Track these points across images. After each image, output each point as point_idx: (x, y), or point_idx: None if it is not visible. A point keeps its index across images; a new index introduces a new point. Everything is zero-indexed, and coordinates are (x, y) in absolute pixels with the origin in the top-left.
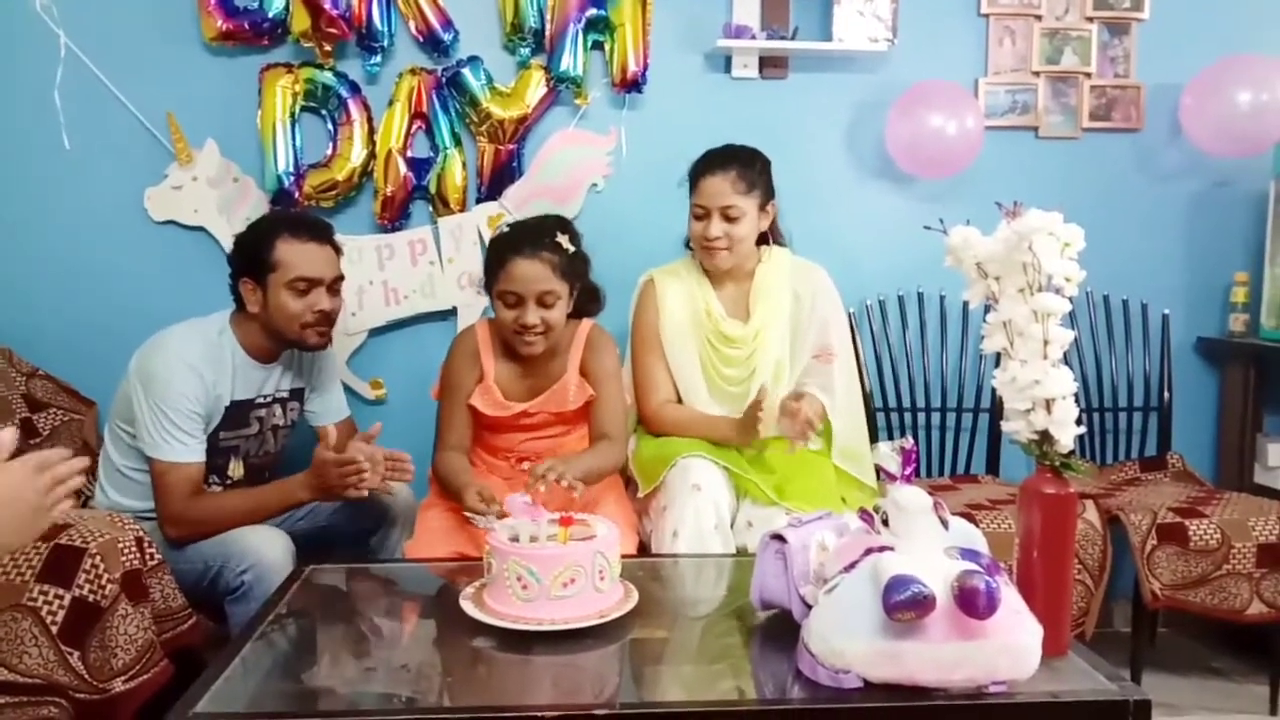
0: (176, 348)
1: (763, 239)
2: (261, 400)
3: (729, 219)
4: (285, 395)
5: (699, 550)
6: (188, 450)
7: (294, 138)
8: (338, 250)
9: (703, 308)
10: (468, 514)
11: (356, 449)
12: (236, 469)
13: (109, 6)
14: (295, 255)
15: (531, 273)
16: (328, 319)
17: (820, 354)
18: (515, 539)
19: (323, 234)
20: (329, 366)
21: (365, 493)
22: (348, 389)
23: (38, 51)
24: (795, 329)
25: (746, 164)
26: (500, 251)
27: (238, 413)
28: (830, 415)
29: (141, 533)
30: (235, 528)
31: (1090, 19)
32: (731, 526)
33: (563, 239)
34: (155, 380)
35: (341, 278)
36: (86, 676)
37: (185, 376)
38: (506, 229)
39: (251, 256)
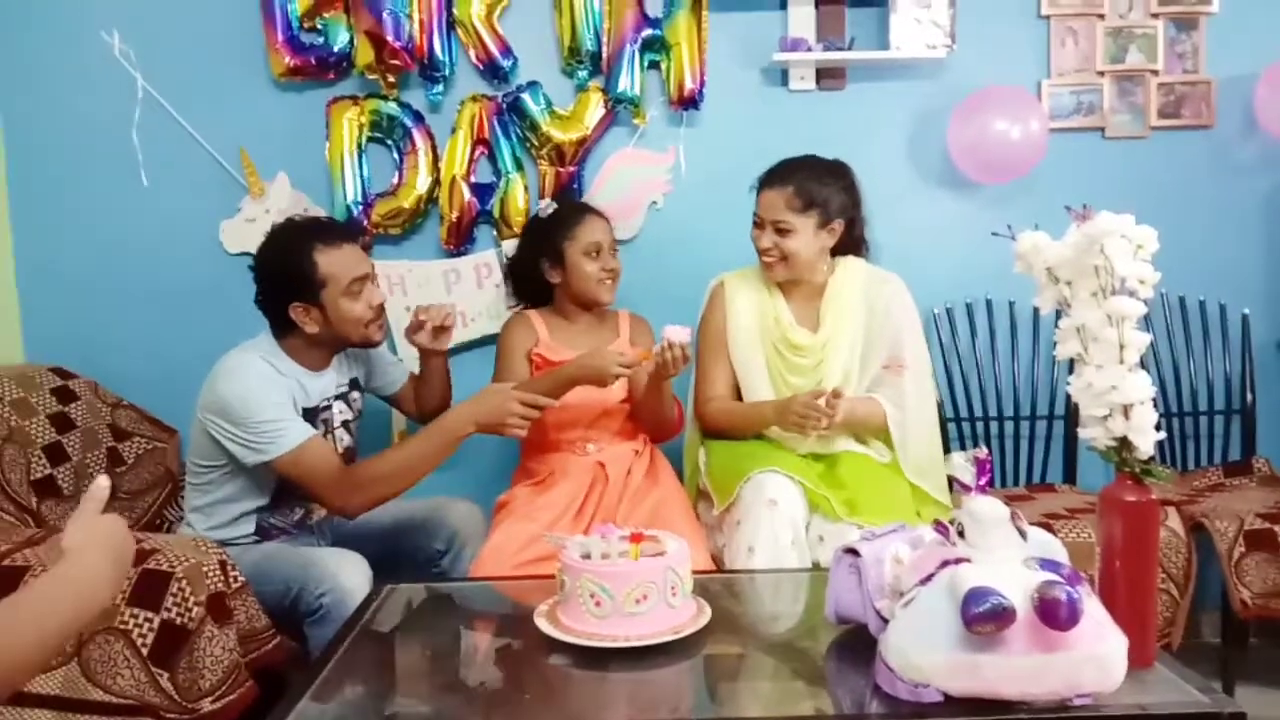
0: (238, 369)
1: (840, 250)
2: (323, 404)
3: (780, 232)
4: (345, 389)
5: (775, 566)
6: (301, 429)
7: (361, 168)
8: (359, 244)
9: (771, 315)
10: (546, 535)
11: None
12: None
13: (182, 48)
14: (339, 264)
15: (605, 226)
16: (383, 310)
17: (890, 364)
18: (587, 556)
19: (348, 232)
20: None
21: (523, 432)
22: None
23: (116, 94)
24: (867, 340)
25: (809, 180)
26: (572, 214)
27: (307, 420)
28: (895, 427)
29: (225, 556)
30: (412, 480)
31: (1155, 15)
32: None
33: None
34: (232, 401)
35: (374, 266)
36: (176, 697)
37: (260, 384)
38: (557, 205)
39: (295, 280)
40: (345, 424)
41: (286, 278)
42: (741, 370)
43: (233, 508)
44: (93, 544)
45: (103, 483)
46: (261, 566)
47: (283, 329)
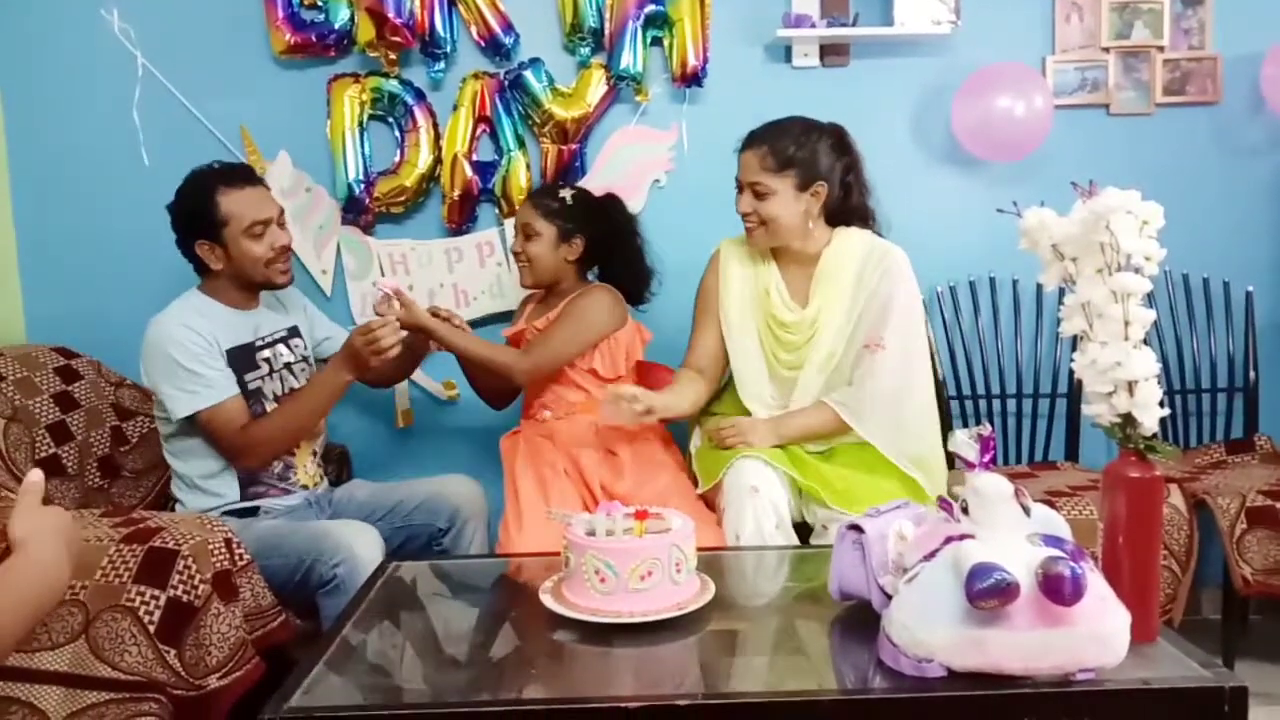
0: (162, 320)
1: (842, 220)
2: (260, 342)
3: (758, 195)
4: (284, 334)
5: None
6: (218, 389)
7: (363, 146)
8: (266, 187)
9: (763, 286)
10: (550, 512)
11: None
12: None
13: (182, 26)
14: (240, 204)
15: (521, 211)
16: (287, 252)
17: (869, 343)
18: (592, 533)
19: (253, 176)
20: (302, 300)
21: (393, 354)
22: (423, 390)
23: (117, 73)
24: (855, 314)
25: (784, 139)
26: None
27: (242, 355)
28: (848, 414)
29: (230, 533)
30: (300, 433)
31: None
32: (802, 527)
33: (565, 192)
34: (157, 349)
35: (283, 211)
36: (183, 674)
37: (181, 330)
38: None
39: (198, 219)
40: (289, 366)
41: (191, 217)
42: (732, 342)
43: (211, 479)
44: (44, 532)
45: (35, 476)
46: (270, 540)
47: (202, 272)
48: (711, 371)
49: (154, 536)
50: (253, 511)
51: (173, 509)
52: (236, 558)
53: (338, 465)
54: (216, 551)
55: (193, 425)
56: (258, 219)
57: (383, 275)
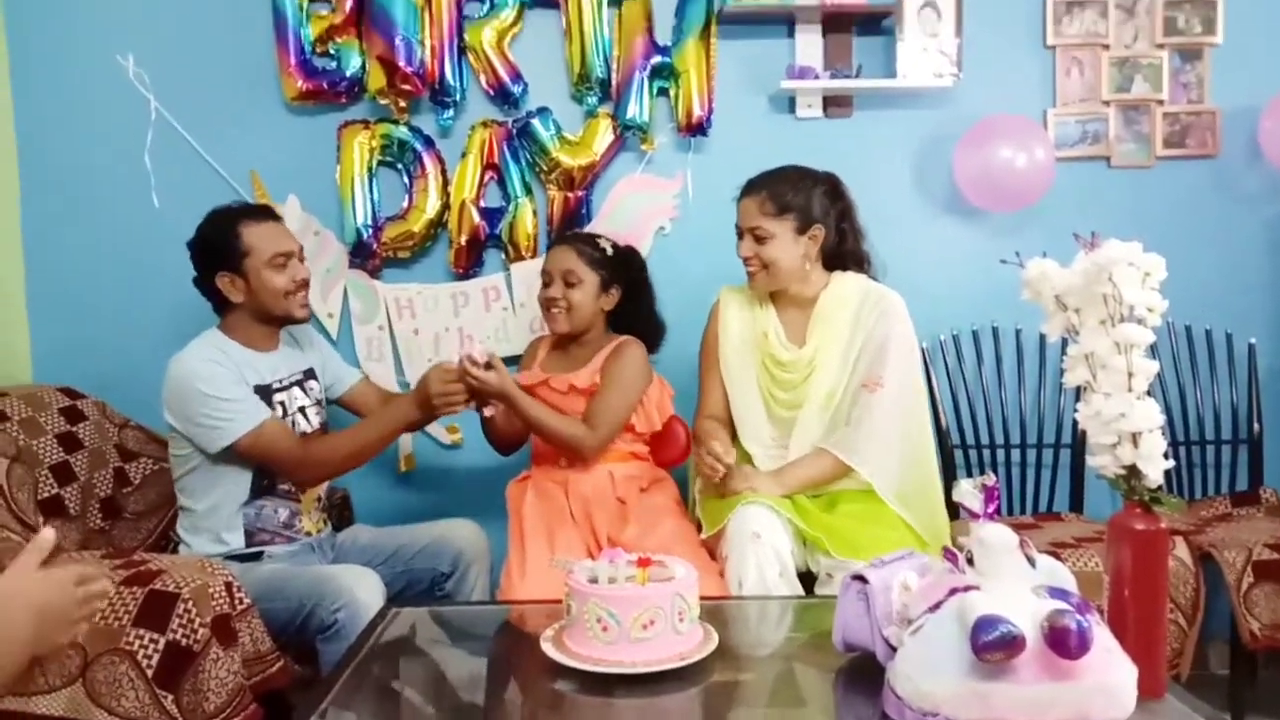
0: (184, 357)
1: (839, 265)
2: (277, 384)
3: (758, 240)
4: (299, 377)
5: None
6: (256, 410)
7: (371, 191)
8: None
9: (761, 328)
10: (553, 559)
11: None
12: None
13: (196, 72)
14: (263, 237)
15: (560, 256)
16: (307, 286)
17: (868, 382)
18: (594, 580)
19: (274, 214)
20: (319, 339)
21: (457, 409)
22: (427, 435)
23: (130, 116)
24: (852, 356)
25: (782, 185)
26: (550, 246)
27: (262, 398)
28: (849, 451)
29: (231, 577)
30: (360, 458)
31: (1160, 45)
32: (806, 576)
33: (604, 242)
34: (184, 386)
35: (302, 248)
36: (180, 719)
37: (205, 365)
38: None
39: (221, 251)
40: (303, 409)
41: (214, 249)
42: (731, 384)
43: (218, 518)
44: (15, 599)
45: (47, 535)
46: (272, 583)
47: (221, 310)
48: (723, 412)
49: (155, 579)
50: (256, 556)
51: (174, 551)
52: (237, 602)
53: (340, 509)
54: (217, 595)
55: (230, 455)
56: (280, 251)
57: (388, 317)
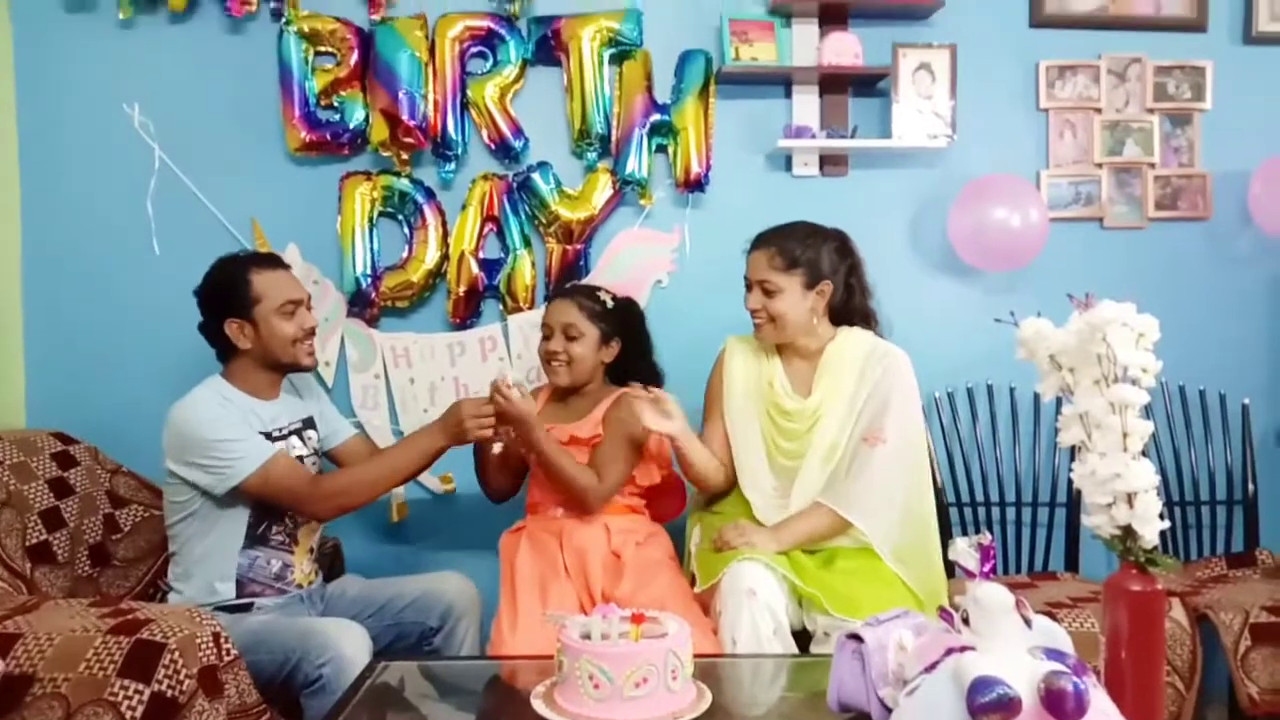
0: (187, 404)
1: (845, 320)
2: (277, 433)
3: (767, 293)
4: (299, 426)
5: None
6: (264, 448)
7: (371, 241)
8: None
9: (766, 378)
10: (546, 614)
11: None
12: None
13: (201, 122)
14: (273, 284)
15: (561, 310)
16: (314, 334)
17: (869, 436)
18: (587, 636)
19: (282, 262)
20: (318, 389)
21: (487, 434)
22: (420, 484)
23: (134, 164)
24: (856, 409)
25: (792, 241)
26: (549, 298)
27: None
28: (846, 505)
29: (219, 628)
30: (377, 490)
31: (1151, 110)
32: (801, 634)
33: (605, 295)
34: (187, 430)
35: (310, 295)
36: None
37: (211, 409)
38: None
39: (230, 297)
40: (300, 459)
41: (223, 296)
42: (734, 433)
43: (211, 566)
44: None
45: None
46: (259, 635)
47: (226, 357)
48: (725, 458)
49: (142, 628)
50: (245, 607)
51: (163, 599)
52: (224, 653)
53: (330, 559)
54: (204, 646)
55: (235, 497)
56: (290, 298)
57: (384, 366)
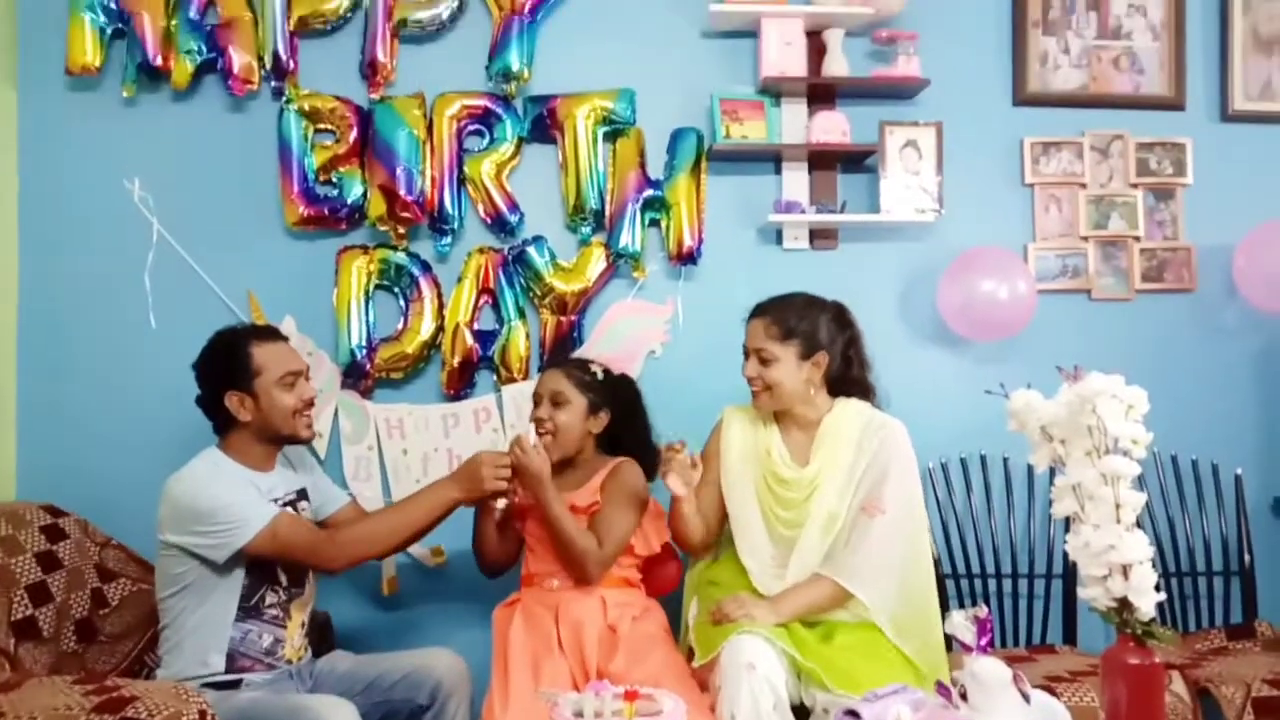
0: (185, 475)
1: (843, 391)
2: (275, 504)
3: (763, 361)
4: (293, 496)
5: None
6: (265, 509)
7: (367, 314)
8: None
9: (764, 446)
10: (540, 692)
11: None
12: (280, 574)
13: (199, 197)
14: (273, 356)
15: (550, 379)
16: (313, 406)
17: (867, 506)
18: (580, 714)
19: (281, 335)
20: (311, 460)
21: (504, 486)
22: (410, 556)
23: (132, 238)
24: (855, 480)
25: (789, 312)
26: (541, 369)
27: None
28: (846, 575)
29: (205, 705)
30: (389, 544)
31: (1135, 185)
32: (800, 709)
33: (596, 367)
34: (188, 503)
35: (309, 367)
36: None
37: (211, 479)
38: None
39: (230, 369)
40: None
41: (223, 368)
42: (731, 501)
43: (203, 638)
44: None
45: None
46: (248, 713)
47: (223, 430)
48: (708, 515)
49: (127, 706)
50: (234, 684)
51: (150, 676)
52: None
53: (319, 633)
54: None
55: (238, 562)
56: (290, 369)
57: (378, 437)
